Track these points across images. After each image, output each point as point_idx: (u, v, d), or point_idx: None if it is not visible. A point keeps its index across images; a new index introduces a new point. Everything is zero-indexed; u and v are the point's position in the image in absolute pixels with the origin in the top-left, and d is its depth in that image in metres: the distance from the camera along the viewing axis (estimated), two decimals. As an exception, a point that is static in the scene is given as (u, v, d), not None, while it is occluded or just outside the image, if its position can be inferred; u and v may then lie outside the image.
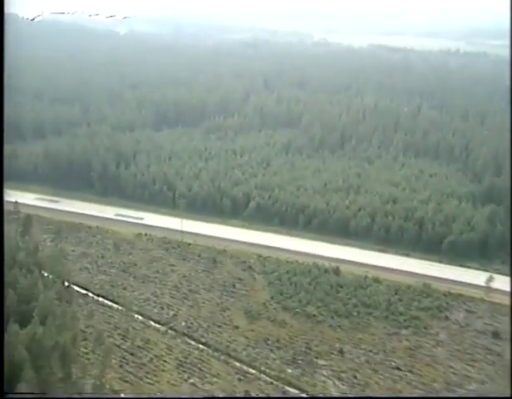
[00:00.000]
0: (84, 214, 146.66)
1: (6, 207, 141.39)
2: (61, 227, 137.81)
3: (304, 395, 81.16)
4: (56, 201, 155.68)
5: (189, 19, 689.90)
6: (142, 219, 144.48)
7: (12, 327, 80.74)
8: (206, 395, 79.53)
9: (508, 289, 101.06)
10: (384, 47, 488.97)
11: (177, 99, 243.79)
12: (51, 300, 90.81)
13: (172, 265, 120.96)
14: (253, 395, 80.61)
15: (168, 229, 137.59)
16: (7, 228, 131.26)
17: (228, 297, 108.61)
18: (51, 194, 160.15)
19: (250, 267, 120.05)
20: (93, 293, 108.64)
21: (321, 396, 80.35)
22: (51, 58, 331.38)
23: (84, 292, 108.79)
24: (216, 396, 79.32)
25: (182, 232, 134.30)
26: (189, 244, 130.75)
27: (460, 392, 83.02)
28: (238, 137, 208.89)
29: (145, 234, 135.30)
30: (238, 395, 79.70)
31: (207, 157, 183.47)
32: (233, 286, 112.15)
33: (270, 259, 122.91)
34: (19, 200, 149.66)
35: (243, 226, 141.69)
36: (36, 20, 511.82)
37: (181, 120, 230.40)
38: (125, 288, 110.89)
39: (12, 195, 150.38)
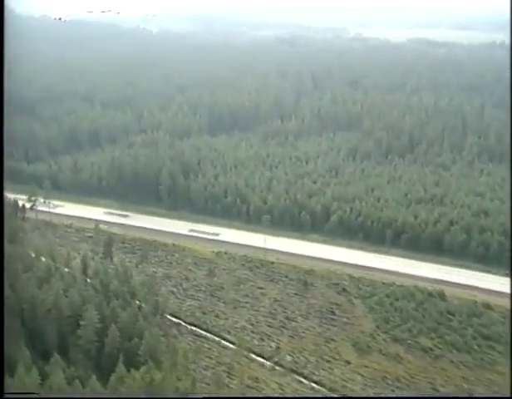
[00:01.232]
0: (156, 230, 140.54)
1: (82, 224, 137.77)
2: (136, 245, 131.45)
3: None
4: (126, 216, 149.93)
5: (218, 16, 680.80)
6: (218, 234, 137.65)
7: (121, 369, 74.14)
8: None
9: None
10: (424, 42, 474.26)
11: (229, 102, 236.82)
12: (156, 336, 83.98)
13: (260, 288, 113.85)
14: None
15: (247, 246, 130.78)
16: (90, 247, 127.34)
17: (329, 325, 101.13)
18: (119, 209, 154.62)
19: (345, 289, 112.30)
20: (185, 322, 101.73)
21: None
22: (93, 60, 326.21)
23: (176, 320, 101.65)
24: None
25: (265, 249, 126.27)
26: (273, 263, 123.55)
27: None
28: (298, 142, 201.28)
29: (225, 252, 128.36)
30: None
31: (271, 165, 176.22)
32: (332, 312, 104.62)
33: (364, 280, 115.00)
34: (88, 215, 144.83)
35: (324, 242, 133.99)
36: (66, 19, 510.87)
37: (236, 124, 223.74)
38: (217, 316, 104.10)
39: (81, 210, 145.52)
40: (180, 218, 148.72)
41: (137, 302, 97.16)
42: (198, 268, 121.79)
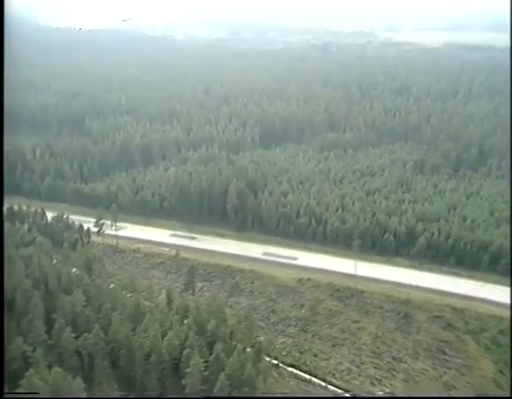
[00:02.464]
0: (229, 254, 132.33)
1: (150, 248, 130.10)
2: (211, 271, 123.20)
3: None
4: (193, 238, 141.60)
5: (244, 22, 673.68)
6: (295, 259, 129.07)
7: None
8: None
9: None
10: (459, 45, 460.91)
11: (279, 112, 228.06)
12: (270, 385, 75.44)
13: (356, 321, 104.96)
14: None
15: (330, 272, 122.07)
16: (163, 274, 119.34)
17: (444, 367, 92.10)
18: (184, 230, 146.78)
19: (449, 324, 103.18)
20: (284, 363, 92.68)
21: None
22: (127, 70, 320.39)
23: (273, 361, 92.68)
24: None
25: (350, 276, 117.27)
26: (363, 292, 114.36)
27: None
28: (358, 154, 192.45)
29: (308, 279, 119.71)
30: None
31: (335, 179, 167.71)
32: (442, 351, 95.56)
33: (468, 313, 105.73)
34: (154, 238, 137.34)
35: (412, 266, 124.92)
36: (88, 28, 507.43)
37: (288, 135, 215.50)
38: (316, 355, 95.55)
39: (145, 232, 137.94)
40: (250, 240, 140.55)
41: (237, 343, 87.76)
42: (282, 298, 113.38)
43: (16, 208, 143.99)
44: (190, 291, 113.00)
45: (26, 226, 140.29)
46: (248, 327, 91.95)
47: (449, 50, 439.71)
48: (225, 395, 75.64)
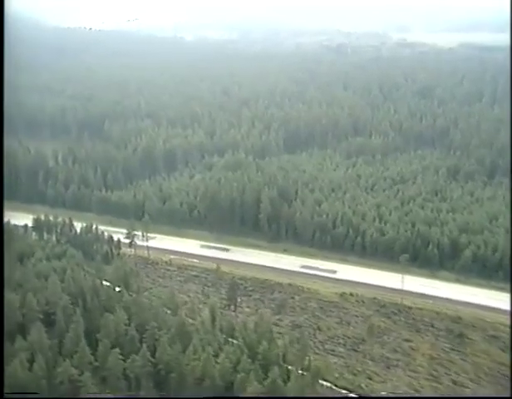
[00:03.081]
0: (265, 267, 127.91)
1: (182, 260, 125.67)
2: (248, 285, 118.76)
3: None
4: (226, 250, 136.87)
5: (253, 23, 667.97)
6: (335, 272, 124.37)
7: None
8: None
9: None
10: (475, 46, 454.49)
11: (302, 116, 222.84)
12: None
13: (407, 340, 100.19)
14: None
15: (373, 286, 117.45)
16: (199, 288, 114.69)
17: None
18: (215, 241, 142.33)
19: (505, 344, 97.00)
20: (337, 386, 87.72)
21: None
22: (141, 72, 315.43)
23: (325, 383, 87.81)
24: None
25: (394, 290, 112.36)
26: (410, 308, 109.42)
27: None
28: (386, 160, 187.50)
29: (351, 294, 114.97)
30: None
31: (366, 187, 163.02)
32: (506, 376, 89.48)
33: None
34: (184, 249, 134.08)
35: (458, 281, 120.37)
36: (97, 29, 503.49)
37: (313, 140, 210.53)
38: (370, 378, 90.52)
39: (175, 242, 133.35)
40: (285, 251, 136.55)
41: (291, 366, 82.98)
42: (326, 314, 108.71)
43: (42, 218, 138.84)
44: (232, 307, 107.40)
45: (54, 237, 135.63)
46: (300, 349, 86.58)
47: (465, 51, 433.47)
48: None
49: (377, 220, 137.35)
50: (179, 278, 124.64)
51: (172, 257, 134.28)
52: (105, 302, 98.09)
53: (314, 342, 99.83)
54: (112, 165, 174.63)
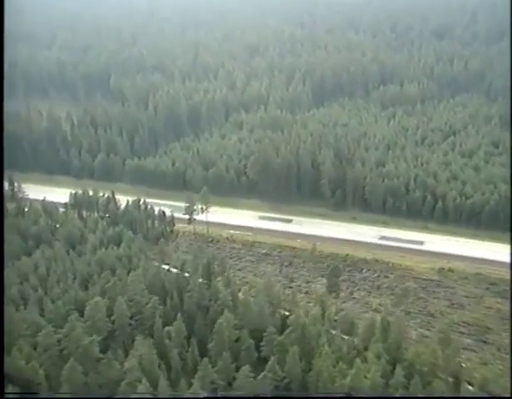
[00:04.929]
0: (340, 240, 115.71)
1: (244, 236, 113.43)
2: (335, 263, 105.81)
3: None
4: (288, 221, 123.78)
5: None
6: (421, 243, 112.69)
7: None
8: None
9: None
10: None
11: (325, 64, 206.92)
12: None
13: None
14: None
15: (471, 259, 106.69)
16: (275, 268, 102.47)
17: None
18: (273, 211, 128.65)
19: None
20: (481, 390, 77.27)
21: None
22: (129, 17, 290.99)
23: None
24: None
25: (494, 263, 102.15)
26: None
27: None
28: (426, 110, 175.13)
29: (449, 270, 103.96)
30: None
31: (417, 140, 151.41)
32: None
33: None
34: (241, 222, 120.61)
35: None
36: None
37: (340, 90, 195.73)
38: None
39: (228, 214, 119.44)
40: (354, 220, 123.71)
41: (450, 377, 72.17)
42: (431, 295, 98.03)
43: (80, 193, 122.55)
44: (334, 293, 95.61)
45: (96, 215, 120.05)
46: (451, 353, 75.41)
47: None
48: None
49: (452, 181, 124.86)
50: (248, 258, 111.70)
51: (231, 232, 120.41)
52: (198, 299, 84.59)
53: (432, 333, 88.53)
54: (138, 128, 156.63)
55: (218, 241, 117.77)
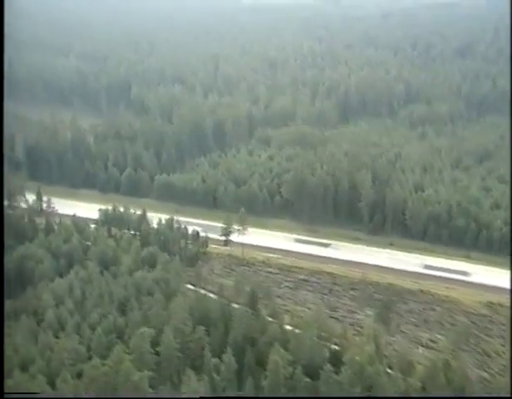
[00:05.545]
0: (380, 267, 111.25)
1: (280, 259, 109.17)
2: (377, 292, 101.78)
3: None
4: (326, 245, 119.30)
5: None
6: (467, 274, 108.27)
7: None
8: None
9: None
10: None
11: (347, 80, 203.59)
12: None
13: None
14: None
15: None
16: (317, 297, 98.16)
17: None
18: (308, 233, 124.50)
19: None
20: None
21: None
22: (145, 27, 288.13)
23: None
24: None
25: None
26: None
27: None
28: (457, 130, 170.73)
29: (499, 304, 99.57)
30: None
31: (452, 163, 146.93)
32: None
33: None
34: (275, 244, 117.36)
35: None
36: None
37: (364, 107, 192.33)
38: None
39: (261, 235, 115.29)
40: (392, 245, 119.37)
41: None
42: (484, 332, 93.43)
43: (110, 209, 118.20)
44: (387, 327, 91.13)
45: (126, 233, 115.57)
46: None
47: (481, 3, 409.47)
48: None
49: (495, 208, 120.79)
50: (286, 284, 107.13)
51: (266, 255, 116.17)
52: (245, 330, 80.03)
53: (492, 375, 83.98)
54: (164, 142, 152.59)
55: (253, 264, 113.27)
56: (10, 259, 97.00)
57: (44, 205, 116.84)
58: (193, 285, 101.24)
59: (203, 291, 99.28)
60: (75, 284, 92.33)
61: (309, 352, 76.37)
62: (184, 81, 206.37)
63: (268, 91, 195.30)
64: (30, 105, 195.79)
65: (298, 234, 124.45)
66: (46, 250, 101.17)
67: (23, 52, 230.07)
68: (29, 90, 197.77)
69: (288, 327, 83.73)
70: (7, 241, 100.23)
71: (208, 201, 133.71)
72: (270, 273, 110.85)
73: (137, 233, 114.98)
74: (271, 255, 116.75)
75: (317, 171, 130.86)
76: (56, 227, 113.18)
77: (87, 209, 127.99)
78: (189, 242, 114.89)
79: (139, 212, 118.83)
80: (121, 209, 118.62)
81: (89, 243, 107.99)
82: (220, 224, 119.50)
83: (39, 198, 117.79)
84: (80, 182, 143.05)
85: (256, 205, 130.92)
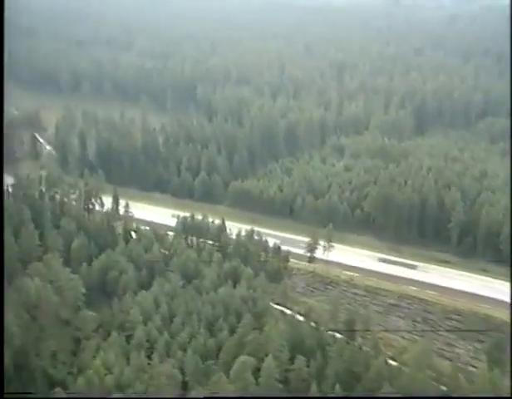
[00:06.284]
0: (474, 295, 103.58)
1: (363, 278, 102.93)
2: (469, 323, 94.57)
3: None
4: (413, 267, 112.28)
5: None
6: None
7: None
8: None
9: None
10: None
11: (422, 87, 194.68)
12: None
13: None
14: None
15: None
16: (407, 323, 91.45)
17: None
18: (391, 252, 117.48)
19: None
20: None
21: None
22: (203, 25, 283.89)
23: None
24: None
25: None
26: None
27: None
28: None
29: None
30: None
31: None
32: None
33: None
34: (359, 263, 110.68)
35: None
36: None
37: (441, 118, 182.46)
38: None
39: (343, 251, 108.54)
40: (484, 272, 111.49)
41: None
42: None
43: (188, 217, 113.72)
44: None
45: (207, 243, 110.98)
46: None
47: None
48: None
49: None
50: (375, 308, 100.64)
51: (350, 274, 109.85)
52: (348, 364, 74.09)
53: None
54: (236, 146, 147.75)
55: (337, 284, 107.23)
56: (93, 268, 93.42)
57: (121, 209, 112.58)
58: (279, 305, 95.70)
59: (289, 311, 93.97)
60: (160, 299, 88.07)
61: (419, 393, 69.90)
62: (250, 82, 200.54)
63: (338, 96, 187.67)
64: (95, 100, 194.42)
65: (381, 253, 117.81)
66: (128, 259, 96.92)
67: (86, 48, 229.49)
68: (94, 85, 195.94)
69: (392, 362, 77.31)
70: (89, 248, 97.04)
71: (284, 211, 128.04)
72: (356, 294, 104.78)
73: (216, 244, 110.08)
74: (355, 274, 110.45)
75: (401, 186, 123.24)
76: (133, 233, 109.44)
77: (160, 214, 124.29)
78: (269, 255, 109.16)
79: (212, 219, 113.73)
80: (199, 217, 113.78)
81: (169, 252, 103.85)
82: (297, 237, 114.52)
83: (115, 201, 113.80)
84: (151, 185, 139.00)
85: (335, 219, 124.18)
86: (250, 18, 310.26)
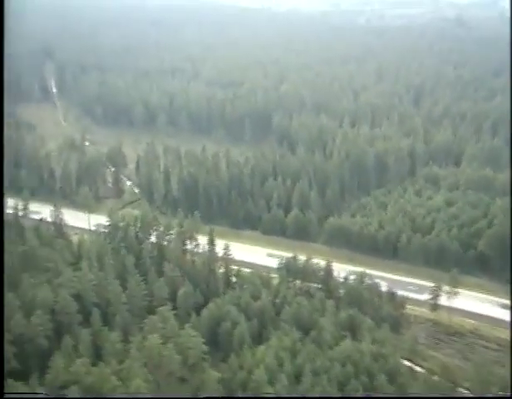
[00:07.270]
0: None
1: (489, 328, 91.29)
2: None
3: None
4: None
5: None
6: None
7: None
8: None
9: None
10: None
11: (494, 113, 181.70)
12: None
13: None
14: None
15: None
16: None
17: None
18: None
19: None
20: None
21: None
22: (261, 49, 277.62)
23: None
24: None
25: None
26: None
27: None
28: None
29: None
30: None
31: None
32: None
33: None
34: (477, 308, 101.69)
35: None
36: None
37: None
38: None
39: (459, 295, 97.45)
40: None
41: None
42: None
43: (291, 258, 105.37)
44: None
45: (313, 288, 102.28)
46: None
47: None
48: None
49: None
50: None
51: (471, 321, 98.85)
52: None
53: None
54: (328, 179, 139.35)
55: (462, 335, 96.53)
56: (202, 318, 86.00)
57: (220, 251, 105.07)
58: (407, 360, 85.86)
59: (419, 368, 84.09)
60: (281, 354, 79.53)
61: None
62: (326, 109, 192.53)
63: (422, 124, 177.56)
64: (169, 132, 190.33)
65: (502, 298, 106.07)
66: (238, 308, 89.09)
67: (154, 79, 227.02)
68: (167, 117, 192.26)
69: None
70: (195, 296, 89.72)
71: (386, 250, 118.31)
72: (486, 348, 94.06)
73: (323, 288, 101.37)
74: (478, 323, 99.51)
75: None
76: (234, 278, 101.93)
77: (255, 253, 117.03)
78: (383, 302, 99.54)
79: (305, 258, 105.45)
80: (301, 257, 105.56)
81: (277, 299, 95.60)
82: (405, 278, 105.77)
83: (212, 242, 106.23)
84: (241, 222, 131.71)
85: (445, 259, 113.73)
86: (317, 43, 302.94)
